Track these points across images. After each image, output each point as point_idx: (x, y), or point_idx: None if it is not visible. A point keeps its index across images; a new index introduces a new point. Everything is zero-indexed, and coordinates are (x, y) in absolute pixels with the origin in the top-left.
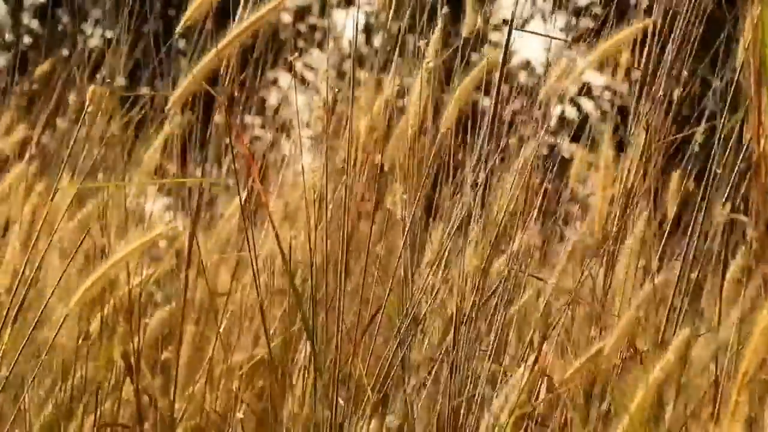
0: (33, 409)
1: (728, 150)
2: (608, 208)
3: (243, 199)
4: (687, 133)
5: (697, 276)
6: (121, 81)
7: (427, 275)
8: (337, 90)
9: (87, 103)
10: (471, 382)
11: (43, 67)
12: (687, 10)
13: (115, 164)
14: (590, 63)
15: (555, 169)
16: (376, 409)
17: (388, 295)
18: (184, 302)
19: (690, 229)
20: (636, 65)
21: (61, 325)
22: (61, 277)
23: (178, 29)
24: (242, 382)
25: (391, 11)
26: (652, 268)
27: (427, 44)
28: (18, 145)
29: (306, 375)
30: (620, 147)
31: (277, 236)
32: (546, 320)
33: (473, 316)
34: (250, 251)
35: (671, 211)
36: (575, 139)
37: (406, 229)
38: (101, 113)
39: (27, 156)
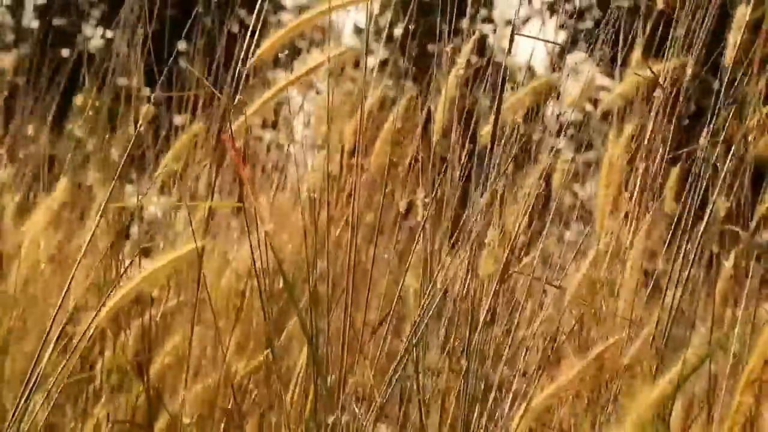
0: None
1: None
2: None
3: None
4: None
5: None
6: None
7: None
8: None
9: (140, 120)
10: (483, 388)
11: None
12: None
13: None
14: (617, 95)
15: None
16: (382, 413)
17: (398, 296)
18: (197, 307)
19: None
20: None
21: (91, 336)
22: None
23: (250, 61)
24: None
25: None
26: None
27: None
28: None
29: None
30: None
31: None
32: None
33: (489, 320)
34: (252, 252)
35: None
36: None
37: (426, 229)
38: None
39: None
